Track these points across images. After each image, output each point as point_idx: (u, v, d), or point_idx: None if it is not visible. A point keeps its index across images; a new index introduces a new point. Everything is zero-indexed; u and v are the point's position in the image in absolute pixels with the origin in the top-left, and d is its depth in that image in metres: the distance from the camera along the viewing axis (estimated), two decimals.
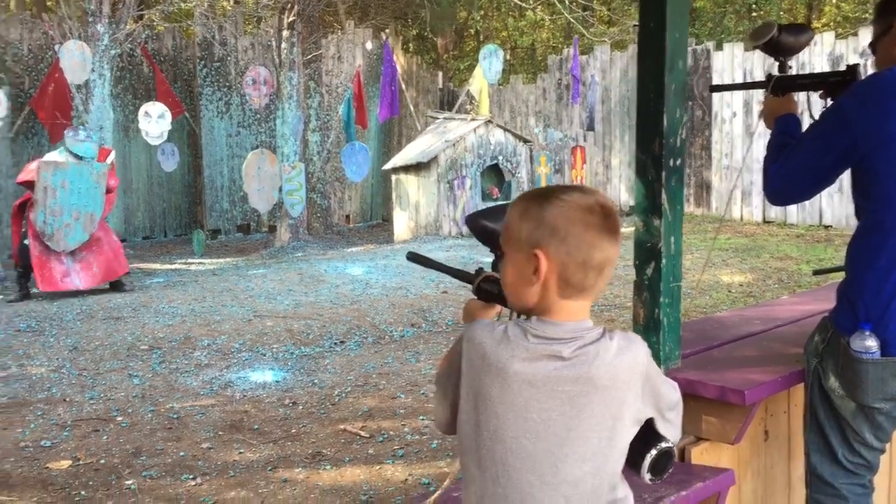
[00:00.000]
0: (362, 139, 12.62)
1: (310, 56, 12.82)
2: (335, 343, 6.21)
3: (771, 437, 2.51)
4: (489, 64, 11.80)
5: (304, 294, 7.94)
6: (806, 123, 2.21)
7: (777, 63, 2.49)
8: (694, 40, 13.51)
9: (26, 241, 8.19)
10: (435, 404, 1.54)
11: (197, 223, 13.59)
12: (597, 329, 1.40)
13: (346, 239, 13.09)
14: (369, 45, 14.81)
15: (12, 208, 8.62)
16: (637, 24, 2.21)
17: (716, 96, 12.28)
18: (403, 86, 13.74)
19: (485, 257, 9.56)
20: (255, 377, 5.40)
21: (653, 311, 2.18)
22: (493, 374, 1.37)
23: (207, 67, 13.51)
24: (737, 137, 12.24)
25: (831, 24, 16.06)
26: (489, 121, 12.08)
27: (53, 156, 8.45)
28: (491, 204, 11.87)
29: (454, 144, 11.66)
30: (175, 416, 4.67)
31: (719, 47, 12.64)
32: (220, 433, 4.39)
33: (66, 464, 4.00)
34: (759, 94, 11.56)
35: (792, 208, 11.31)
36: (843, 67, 2.41)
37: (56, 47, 10.07)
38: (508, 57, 19.02)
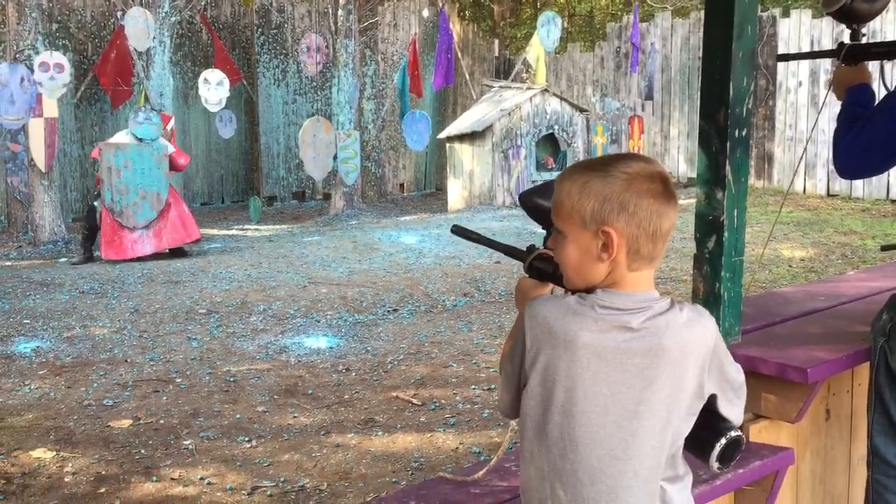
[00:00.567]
0: (417, 108, 12.59)
1: (366, 24, 12.79)
2: (388, 311, 6.25)
3: (833, 416, 2.44)
4: (547, 31, 11.62)
5: (358, 262, 8.00)
6: (880, 94, 2.12)
7: (849, 31, 2.39)
8: (759, 7, 13.09)
9: (95, 203, 8.40)
10: (499, 389, 1.52)
11: (253, 190, 13.77)
12: (665, 299, 1.37)
13: (400, 207, 13.13)
14: (426, 13, 14.70)
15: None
16: None
17: (781, 65, 11.90)
18: (459, 54, 13.63)
19: (538, 228, 9.49)
20: (310, 343, 5.47)
21: (713, 285, 2.13)
22: (561, 347, 1.34)
23: (265, 35, 13.59)
24: (801, 108, 11.88)
25: None
26: (545, 90, 11.93)
27: (120, 136, 8.65)
28: (546, 175, 11.78)
29: (509, 113, 11.56)
30: (232, 379, 4.77)
31: (786, 14, 12.24)
32: (275, 397, 4.47)
33: (126, 423, 4.12)
34: (826, 64, 11.18)
35: (858, 182, 10.96)
36: None
37: (118, 14, 10.22)
38: (566, 24, 18.70)
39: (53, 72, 8.43)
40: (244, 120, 13.54)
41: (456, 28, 14.86)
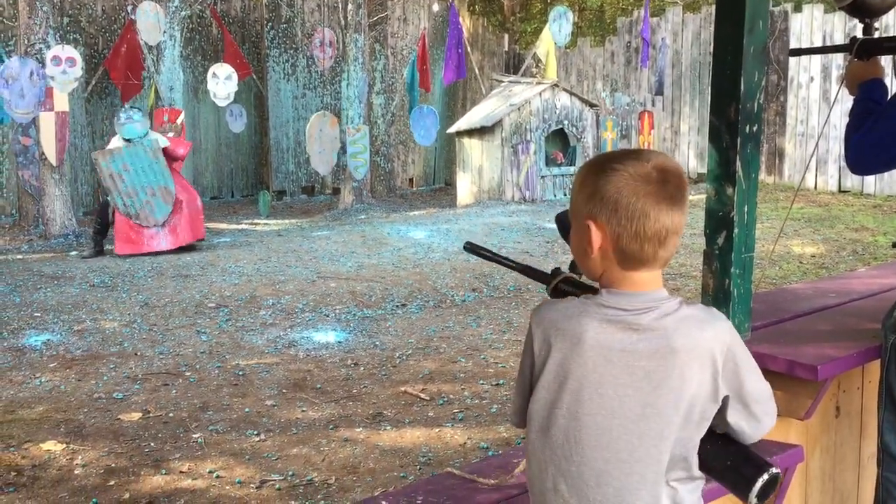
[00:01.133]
0: (426, 102, 12.57)
1: (375, 18, 12.78)
2: (397, 306, 6.25)
3: (842, 413, 2.43)
4: (558, 26, 11.58)
5: (367, 256, 8.00)
6: (893, 89, 2.10)
7: (862, 25, 2.38)
8: (771, 1, 13.01)
9: (108, 198, 8.42)
10: (512, 399, 1.51)
11: (263, 184, 13.80)
12: (674, 299, 1.35)
13: (409, 202, 13.13)
14: (435, 7, 14.68)
15: None
16: None
17: (792, 60, 11.84)
18: (469, 48, 13.60)
19: (547, 223, 9.48)
20: (318, 337, 5.48)
21: (723, 281, 2.12)
22: (568, 349, 1.34)
23: (274, 29, 13.60)
24: (813, 103, 11.81)
25: None
26: (555, 84, 11.90)
27: (114, 141, 8.63)
28: (555, 170, 11.75)
29: (519, 108, 11.53)
30: (241, 373, 4.78)
31: (797, 9, 12.16)
32: (284, 391, 4.48)
33: (136, 416, 4.14)
34: (838, 59, 11.11)
35: (869, 178, 10.89)
36: None
37: (129, 8, 10.25)
38: (576, 19, 18.64)
39: (66, 66, 8.45)
40: (254, 114, 13.55)
41: (466, 22, 14.83)
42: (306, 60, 13.46)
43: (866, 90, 2.22)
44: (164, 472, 3.52)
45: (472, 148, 11.99)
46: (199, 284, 6.89)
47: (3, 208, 11.13)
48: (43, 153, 9.41)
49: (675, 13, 13.72)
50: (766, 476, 1.38)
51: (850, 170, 2.13)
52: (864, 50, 2.30)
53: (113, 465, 3.59)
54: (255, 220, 11.28)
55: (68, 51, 8.62)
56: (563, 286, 1.52)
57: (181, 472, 3.52)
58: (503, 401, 4.23)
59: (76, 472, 3.53)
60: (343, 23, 11.87)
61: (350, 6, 11.74)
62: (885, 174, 10.59)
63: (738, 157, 2.05)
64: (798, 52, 2.71)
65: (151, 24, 9.37)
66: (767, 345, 2.18)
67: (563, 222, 1.49)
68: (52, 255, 8.63)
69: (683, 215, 1.34)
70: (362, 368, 4.85)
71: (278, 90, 13.72)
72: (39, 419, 4.10)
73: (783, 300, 2.69)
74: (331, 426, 3.99)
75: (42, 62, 8.53)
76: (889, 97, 2.13)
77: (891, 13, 9.14)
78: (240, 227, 10.72)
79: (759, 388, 1.41)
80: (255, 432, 3.92)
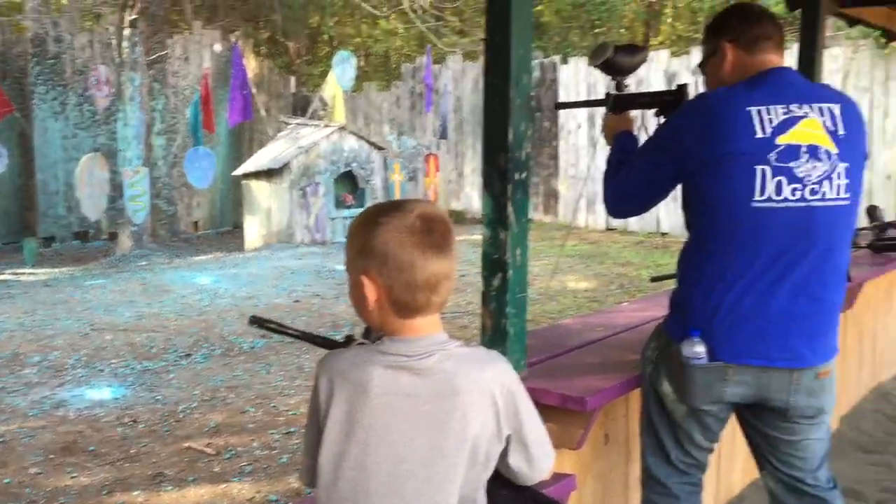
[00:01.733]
0: (211, 144, 12.21)
1: (154, 56, 12.27)
2: (180, 356, 5.95)
3: (611, 440, 2.60)
4: (342, 70, 11.72)
5: (148, 305, 7.57)
6: (643, 140, 2.31)
7: (614, 82, 2.60)
8: (542, 54, 13.96)
9: None
10: (300, 459, 1.48)
11: (29, 230, 12.69)
12: (454, 342, 1.38)
13: (194, 247, 12.61)
14: (218, 48, 14.35)
15: None
16: (484, 38, 2.24)
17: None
18: (254, 90, 13.40)
19: (338, 265, 9.45)
20: (92, 395, 5.09)
21: (499, 321, 2.21)
22: (354, 397, 1.34)
23: (41, 65, 12.67)
24: (582, 148, 12.75)
25: (667, 41, 17.02)
26: (343, 127, 11.99)
27: None
28: (345, 212, 11.78)
29: (307, 151, 11.49)
30: (0, 439, 4.33)
31: (565, 61, 13.13)
32: (51, 456, 4.10)
33: None
34: (601, 110, 12.09)
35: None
36: (675, 87, 2.54)
37: None
38: (362, 63, 18.97)
39: None
40: (17, 154, 12.49)
41: (251, 63, 14.61)
42: (77, 98, 12.65)
43: (620, 142, 2.42)
44: None
45: (261, 190, 11.77)
46: None
47: None
48: None
49: (455, 61, 14.34)
50: None
51: (610, 215, 2.31)
52: (618, 104, 2.52)
53: None
54: (19, 270, 10.33)
55: None
56: None
57: None
58: (294, 450, 4.13)
59: None
60: (118, 60, 11.29)
61: (125, 43, 11.20)
62: (645, 214, 11.61)
63: (509, 203, 2.15)
64: (563, 106, 2.92)
65: None
66: (542, 379, 2.30)
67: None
68: None
69: (452, 260, 1.37)
70: (142, 426, 4.55)
71: (45, 129, 12.74)
72: None
73: (556, 335, 2.84)
74: (105, 491, 3.69)
75: None
76: (638, 147, 2.34)
77: (643, 68, 10.09)
78: (1, 278, 9.78)
79: (537, 430, 1.47)
80: None
